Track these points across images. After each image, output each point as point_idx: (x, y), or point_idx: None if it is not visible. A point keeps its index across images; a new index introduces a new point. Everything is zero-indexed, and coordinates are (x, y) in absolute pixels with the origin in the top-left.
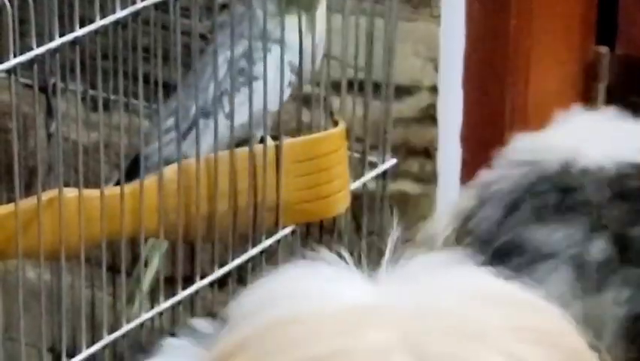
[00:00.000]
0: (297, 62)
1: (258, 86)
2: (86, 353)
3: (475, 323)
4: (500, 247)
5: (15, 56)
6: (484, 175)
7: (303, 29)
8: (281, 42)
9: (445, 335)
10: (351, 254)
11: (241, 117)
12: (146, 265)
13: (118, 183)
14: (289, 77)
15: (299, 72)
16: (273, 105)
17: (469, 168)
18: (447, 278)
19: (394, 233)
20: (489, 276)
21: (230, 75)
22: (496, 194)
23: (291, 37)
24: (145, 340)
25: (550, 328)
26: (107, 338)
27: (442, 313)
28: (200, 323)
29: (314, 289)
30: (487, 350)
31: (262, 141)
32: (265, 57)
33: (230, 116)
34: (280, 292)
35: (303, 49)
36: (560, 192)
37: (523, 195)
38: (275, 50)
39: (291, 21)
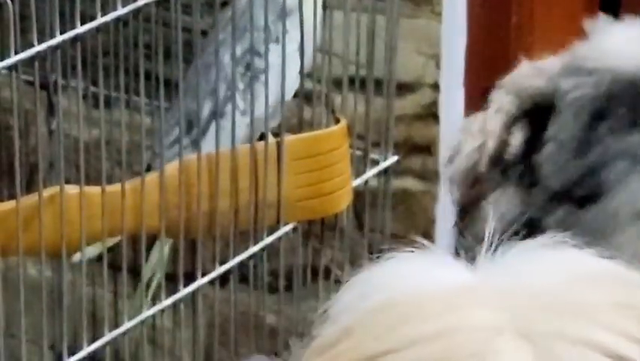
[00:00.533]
0: (306, 45)
1: (272, 75)
2: (86, 350)
3: (580, 300)
4: (597, 156)
5: (16, 53)
6: (522, 79)
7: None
8: (300, 21)
9: (552, 313)
10: (353, 252)
11: (257, 112)
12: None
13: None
14: (298, 64)
15: (300, 68)
16: (290, 92)
17: None
18: (546, 259)
19: (490, 225)
20: (588, 256)
21: (232, 73)
22: (575, 102)
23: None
24: (146, 337)
25: None
26: (108, 336)
27: (546, 292)
28: None
29: (414, 275)
30: (593, 327)
31: (262, 137)
32: (284, 36)
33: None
34: (379, 282)
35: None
36: None
37: (606, 103)
38: (289, 35)
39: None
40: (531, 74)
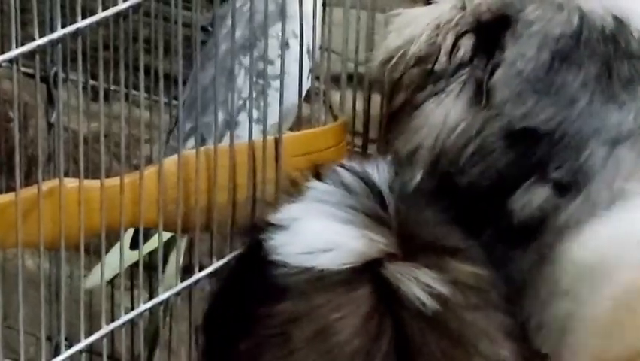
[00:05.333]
0: (311, 45)
1: (278, 84)
2: (83, 342)
3: None
4: (572, 129)
5: (17, 46)
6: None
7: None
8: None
9: None
10: None
11: (271, 118)
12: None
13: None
14: (308, 65)
15: (299, 65)
16: (296, 98)
17: None
18: None
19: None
20: None
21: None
22: (540, 34)
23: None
24: (144, 330)
25: None
26: (106, 328)
27: None
28: (343, 173)
29: None
30: None
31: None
32: (283, 44)
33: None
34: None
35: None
36: (625, 59)
37: (575, 45)
38: (292, 42)
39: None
40: None
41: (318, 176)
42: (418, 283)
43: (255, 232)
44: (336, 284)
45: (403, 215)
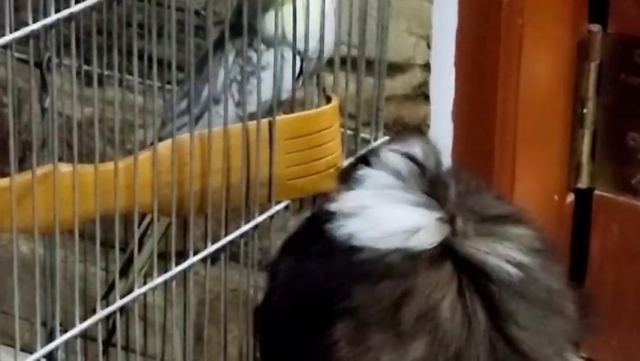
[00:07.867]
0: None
1: (266, 75)
2: (78, 327)
3: None
4: None
5: (11, 32)
6: None
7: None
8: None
9: None
10: None
11: (249, 107)
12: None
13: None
14: (297, 66)
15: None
16: (283, 94)
17: (461, 145)
18: None
19: None
20: None
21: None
22: None
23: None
24: (137, 314)
25: None
26: (101, 313)
27: None
28: (391, 157)
29: None
30: None
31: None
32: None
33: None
34: None
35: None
36: None
37: None
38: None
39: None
40: None
41: (366, 162)
42: (497, 255)
43: (310, 220)
44: (424, 264)
45: (456, 190)
